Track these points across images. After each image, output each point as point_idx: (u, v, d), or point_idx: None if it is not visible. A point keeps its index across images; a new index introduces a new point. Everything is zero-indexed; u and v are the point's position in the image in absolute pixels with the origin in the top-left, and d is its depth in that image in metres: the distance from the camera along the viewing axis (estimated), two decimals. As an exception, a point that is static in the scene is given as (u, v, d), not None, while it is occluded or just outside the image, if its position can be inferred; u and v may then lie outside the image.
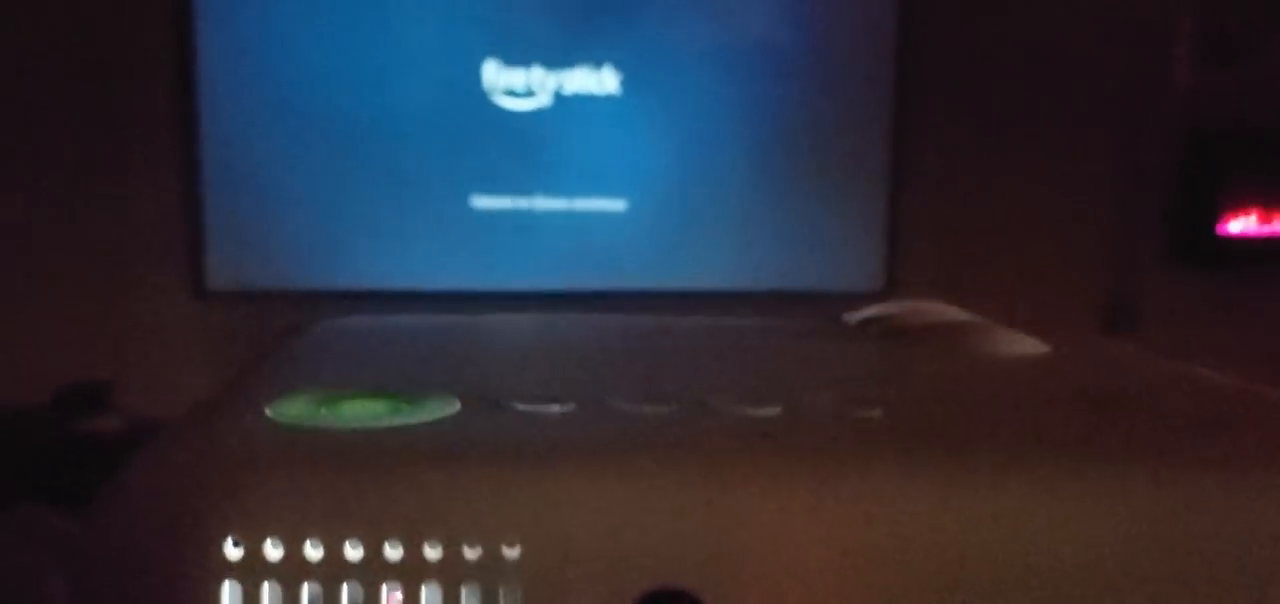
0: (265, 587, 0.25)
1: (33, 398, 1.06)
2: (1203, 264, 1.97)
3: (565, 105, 1.82)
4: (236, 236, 1.78)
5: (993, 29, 1.92)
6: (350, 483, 0.26)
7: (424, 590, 0.25)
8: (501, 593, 0.25)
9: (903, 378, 0.39)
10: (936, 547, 0.26)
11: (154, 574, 0.26)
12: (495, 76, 1.80)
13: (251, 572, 0.25)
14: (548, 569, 0.26)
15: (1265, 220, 1.96)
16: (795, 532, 0.26)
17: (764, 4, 1.84)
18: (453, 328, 0.47)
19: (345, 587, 0.25)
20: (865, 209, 1.94)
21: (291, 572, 0.26)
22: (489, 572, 0.26)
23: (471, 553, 0.26)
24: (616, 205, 1.88)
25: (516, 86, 1.81)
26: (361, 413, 0.30)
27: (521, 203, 1.84)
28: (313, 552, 0.26)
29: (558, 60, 1.82)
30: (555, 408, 0.30)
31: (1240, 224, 1.95)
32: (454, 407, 0.30)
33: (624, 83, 1.84)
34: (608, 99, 1.84)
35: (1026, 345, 0.43)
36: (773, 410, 0.30)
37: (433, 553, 0.25)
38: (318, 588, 0.25)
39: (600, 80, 1.84)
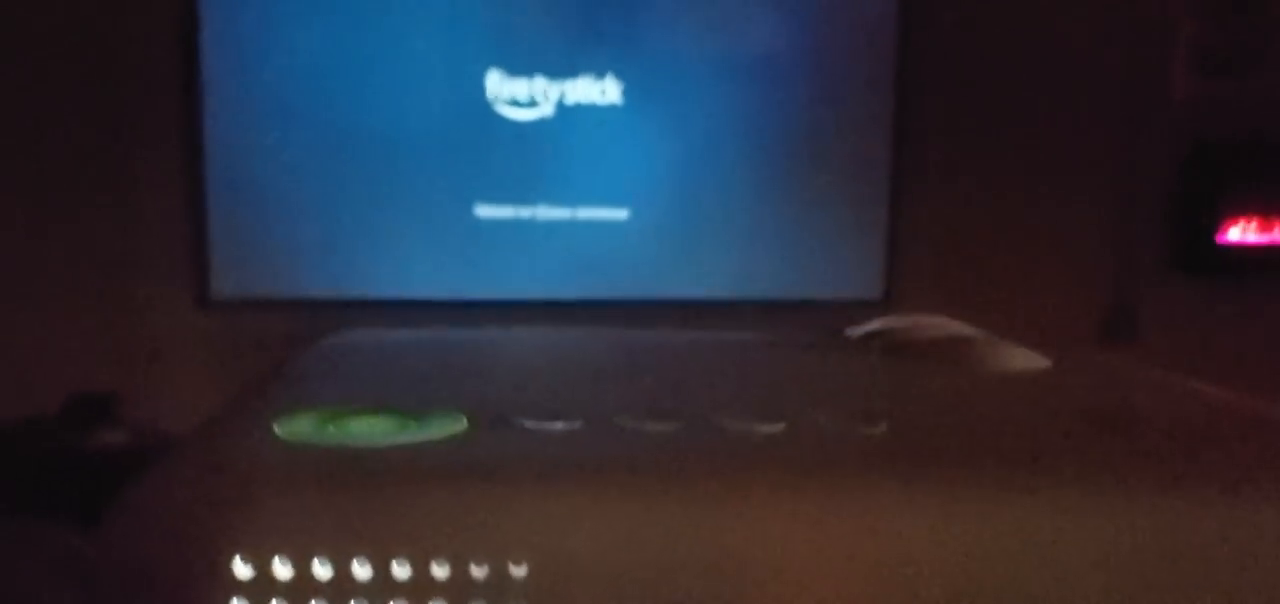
0: (274, 605, 0.26)
1: (37, 408, 1.06)
2: (1202, 272, 1.97)
3: (568, 115, 1.83)
4: (241, 246, 1.78)
5: (992, 40, 1.92)
6: (358, 502, 0.26)
7: (432, 609, 0.26)
8: (508, 611, 0.26)
9: (905, 394, 0.39)
10: (939, 565, 0.26)
11: (163, 592, 0.26)
12: (498, 86, 1.80)
13: (260, 590, 0.26)
14: (554, 588, 0.26)
15: (1265, 229, 1.97)
16: (800, 549, 0.26)
17: (765, 16, 1.85)
18: (458, 343, 0.47)
19: (353, 605, 0.26)
20: (865, 218, 1.95)
21: (300, 590, 0.26)
22: (496, 590, 0.26)
23: (479, 571, 0.26)
24: (618, 214, 1.88)
25: (519, 96, 1.82)
26: (369, 430, 0.30)
27: (524, 212, 1.84)
28: (321, 570, 0.26)
29: (560, 70, 1.82)
30: (561, 426, 0.30)
31: (1240, 232, 1.95)
32: (461, 424, 0.30)
33: (626, 93, 1.85)
34: (610, 109, 1.84)
35: (1027, 360, 0.43)
36: (777, 427, 0.31)
37: (440, 572, 0.26)
38: (326, 606, 0.26)
39: (603, 90, 1.84)
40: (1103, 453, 0.31)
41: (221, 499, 0.27)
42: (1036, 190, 1.97)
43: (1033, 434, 0.33)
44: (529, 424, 0.31)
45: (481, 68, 1.82)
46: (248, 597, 0.25)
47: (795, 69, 1.91)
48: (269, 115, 1.77)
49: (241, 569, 0.25)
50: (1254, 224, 1.98)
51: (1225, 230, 1.98)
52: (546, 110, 1.84)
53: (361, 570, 0.26)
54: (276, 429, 0.30)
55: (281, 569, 0.26)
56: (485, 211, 1.85)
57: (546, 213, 1.87)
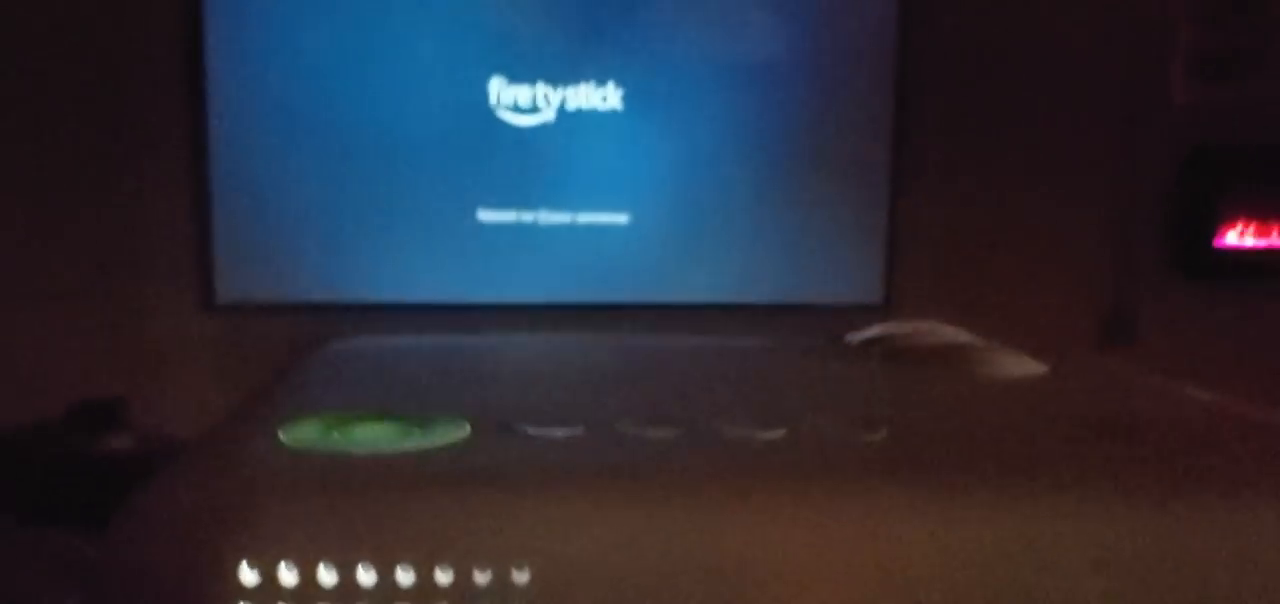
0: (280, 611, 0.26)
1: (42, 411, 1.06)
2: (1200, 276, 1.97)
3: (569, 121, 1.83)
4: (245, 250, 1.78)
5: (992, 45, 1.92)
6: (363, 508, 0.27)
7: (436, 614, 0.26)
8: (512, 616, 0.26)
9: (905, 401, 0.39)
10: (939, 570, 0.26)
11: (170, 597, 0.26)
12: (500, 92, 1.81)
13: (266, 595, 0.26)
14: (557, 593, 0.26)
15: (1262, 233, 1.96)
16: (800, 555, 0.26)
17: (764, 21, 1.85)
18: (461, 350, 0.47)
19: (359, 610, 0.26)
20: (865, 222, 1.95)
21: (305, 595, 0.26)
22: (499, 595, 0.26)
23: (482, 577, 0.26)
24: (619, 219, 1.88)
25: (521, 102, 1.82)
26: (373, 437, 0.30)
27: (526, 216, 1.85)
28: (326, 576, 0.26)
29: (562, 76, 1.82)
30: (563, 432, 0.31)
31: (1238, 236, 1.96)
32: (464, 430, 0.31)
33: (627, 98, 1.85)
34: (611, 114, 1.84)
35: (1025, 366, 0.43)
36: (777, 433, 0.31)
37: (444, 578, 0.26)
38: (332, 612, 0.26)
39: (603, 96, 1.85)
40: (1101, 458, 0.31)
41: (227, 505, 0.27)
42: (1036, 194, 1.98)
43: (1032, 440, 0.33)
44: (531, 430, 0.31)
45: (484, 74, 1.82)
46: (253, 602, 0.26)
47: (795, 74, 1.91)
48: (273, 120, 1.78)
49: (247, 575, 0.26)
50: (1252, 228, 1.98)
51: (1224, 234, 1.98)
52: (548, 116, 1.85)
53: (366, 576, 0.26)
54: (281, 435, 0.30)
55: (287, 575, 0.26)
56: (487, 216, 1.86)
57: (548, 217, 1.88)
